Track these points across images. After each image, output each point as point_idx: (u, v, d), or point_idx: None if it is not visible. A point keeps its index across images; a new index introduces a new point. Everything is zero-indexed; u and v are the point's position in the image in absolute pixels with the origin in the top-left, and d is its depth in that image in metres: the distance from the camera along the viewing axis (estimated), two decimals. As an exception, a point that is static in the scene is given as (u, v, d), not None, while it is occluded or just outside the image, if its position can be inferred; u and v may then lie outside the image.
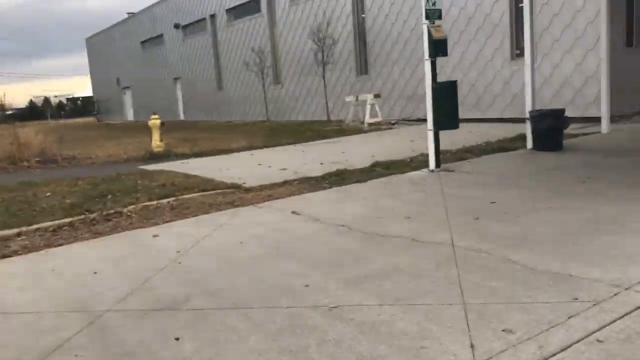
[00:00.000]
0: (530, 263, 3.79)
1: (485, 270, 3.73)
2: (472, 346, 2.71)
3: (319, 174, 8.23)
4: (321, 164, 9.35)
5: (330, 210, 5.92)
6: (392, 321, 3.06)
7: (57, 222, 6.08)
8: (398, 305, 3.26)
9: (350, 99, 18.42)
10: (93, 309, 3.62)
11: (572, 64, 12.98)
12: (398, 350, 2.73)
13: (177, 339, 3.07)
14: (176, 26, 32.20)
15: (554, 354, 2.58)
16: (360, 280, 3.72)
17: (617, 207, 5.11)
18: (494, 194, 6.03)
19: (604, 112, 10.68)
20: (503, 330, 2.84)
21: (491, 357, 2.59)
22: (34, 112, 68.21)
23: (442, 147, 8.11)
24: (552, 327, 2.84)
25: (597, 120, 12.08)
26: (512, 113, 14.32)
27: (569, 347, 2.63)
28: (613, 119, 11.47)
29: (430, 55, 7.47)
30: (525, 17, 9.02)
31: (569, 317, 2.92)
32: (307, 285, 3.71)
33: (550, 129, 9.02)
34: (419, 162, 8.71)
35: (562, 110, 9.29)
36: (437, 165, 7.88)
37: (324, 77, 20.39)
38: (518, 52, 14.33)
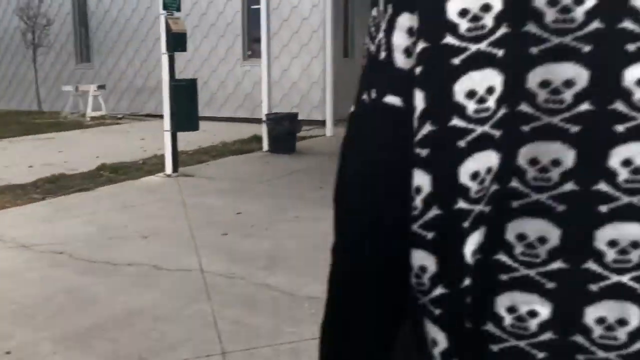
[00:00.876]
0: (289, 287, 3.48)
1: (242, 301, 3.27)
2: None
3: (28, 180, 6.71)
4: (30, 167, 7.70)
5: (44, 231, 4.73)
6: (136, 395, 2.34)
7: None
8: (142, 367, 2.55)
9: (68, 88, 16.15)
10: None
11: (299, 69, 13.70)
12: None
13: None
14: None
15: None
16: (88, 336, 2.87)
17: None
18: (239, 203, 5.67)
19: (328, 116, 11.45)
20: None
21: None
22: None
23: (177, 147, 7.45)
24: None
25: (321, 123, 13.00)
26: (245, 113, 14.45)
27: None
28: (334, 122, 12.49)
29: (168, 49, 6.73)
30: (262, 24, 8.98)
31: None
32: (8, 352, 2.68)
33: (286, 132, 9.20)
34: (153, 164, 7.87)
35: (296, 115, 9.59)
36: (175, 169, 7.19)
37: (34, 61, 17.48)
38: (250, 53, 14.53)
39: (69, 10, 17.43)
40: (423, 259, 0.55)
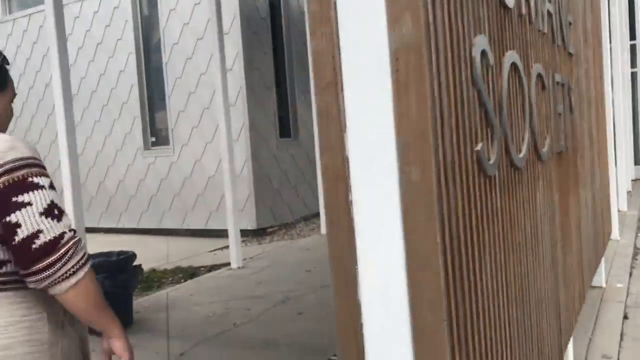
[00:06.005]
0: None
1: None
2: None
3: None
4: None
5: None
6: None
7: None
8: None
9: None
10: None
11: (215, 163, 9.62)
12: None
13: None
14: None
15: None
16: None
17: None
18: None
19: (232, 233, 7.13)
20: None
21: None
22: None
23: None
24: None
25: (251, 233, 9.10)
26: (150, 222, 10.47)
27: None
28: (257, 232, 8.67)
29: None
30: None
31: None
32: None
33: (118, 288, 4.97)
34: None
35: (132, 256, 5.25)
36: None
37: None
38: (154, 139, 10.65)
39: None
40: None
